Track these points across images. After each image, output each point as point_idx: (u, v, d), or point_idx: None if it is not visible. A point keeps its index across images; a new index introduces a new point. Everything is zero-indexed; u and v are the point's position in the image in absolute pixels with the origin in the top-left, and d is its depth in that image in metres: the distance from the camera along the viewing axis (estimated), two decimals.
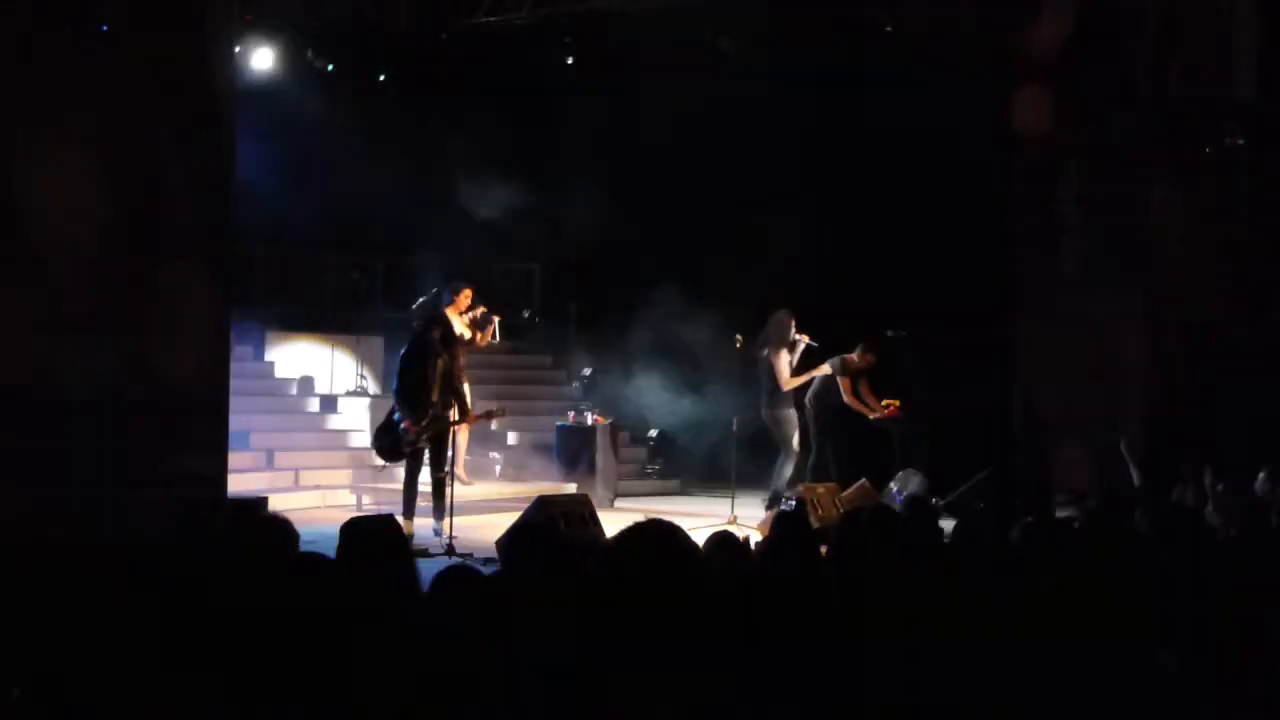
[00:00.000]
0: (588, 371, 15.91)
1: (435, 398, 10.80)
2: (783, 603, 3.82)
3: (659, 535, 3.19)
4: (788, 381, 13.02)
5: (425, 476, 10.99)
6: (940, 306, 14.15)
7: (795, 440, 13.02)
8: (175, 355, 8.95)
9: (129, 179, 8.88)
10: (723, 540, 5.08)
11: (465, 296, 13.76)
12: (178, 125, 9.17)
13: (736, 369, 13.76)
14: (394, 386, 11.09)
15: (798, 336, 13.11)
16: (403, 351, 11.13)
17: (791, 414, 13.06)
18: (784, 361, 13.01)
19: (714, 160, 15.28)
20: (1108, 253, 13.72)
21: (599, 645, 3.11)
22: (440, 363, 10.88)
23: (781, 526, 5.36)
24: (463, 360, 13.47)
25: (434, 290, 14.30)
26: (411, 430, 10.71)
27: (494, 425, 14.23)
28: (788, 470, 12.94)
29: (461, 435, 13.37)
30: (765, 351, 13.06)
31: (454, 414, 10.95)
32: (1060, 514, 8.33)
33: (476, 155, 15.64)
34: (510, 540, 9.42)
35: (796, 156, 15.27)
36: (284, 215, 14.90)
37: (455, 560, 9.63)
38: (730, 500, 12.51)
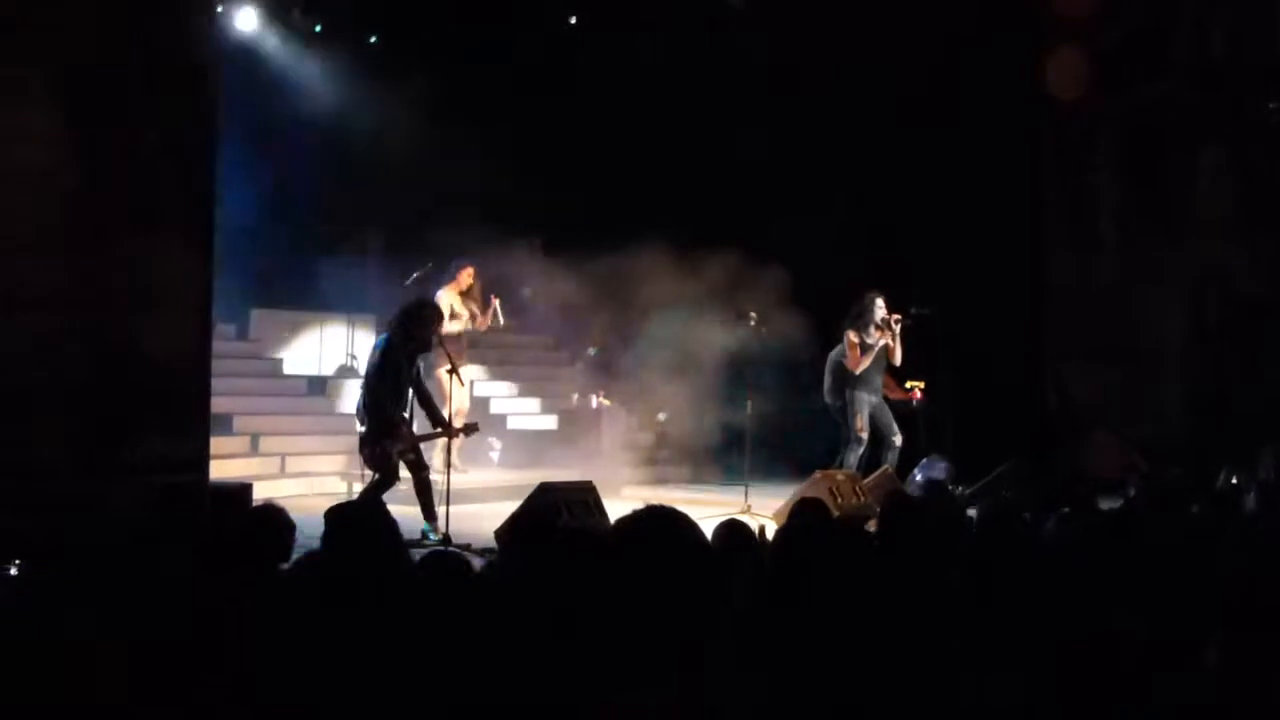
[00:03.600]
0: (593, 351, 15.88)
1: (404, 415, 10.71)
2: (795, 596, 3.79)
3: (662, 521, 3.13)
4: (856, 362, 12.97)
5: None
6: (968, 282, 14.09)
7: (862, 426, 13.00)
8: (153, 333, 8.86)
9: (102, 145, 8.80)
10: (731, 528, 5.04)
11: (466, 275, 13.71)
12: (155, 88, 9.09)
13: (751, 348, 13.70)
14: (361, 400, 10.87)
15: (888, 316, 13.07)
16: (372, 361, 10.91)
17: (861, 397, 13.04)
18: (855, 341, 12.98)
19: (724, 127, 15.21)
20: (1145, 225, 13.66)
21: (595, 643, 3.08)
22: (411, 373, 10.76)
23: (798, 514, 5.31)
24: (463, 342, 13.45)
25: (428, 265, 14.26)
26: (388, 453, 10.58)
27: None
28: (852, 459, 12.91)
29: (458, 420, 13.33)
30: (840, 355, 13.09)
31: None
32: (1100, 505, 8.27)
33: (473, 120, 15.57)
34: (510, 530, 9.51)
35: (814, 123, 15.19)
36: (272, 183, 14.84)
37: (453, 550, 9.60)
38: (744, 488, 12.48)
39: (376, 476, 10.66)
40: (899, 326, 13.06)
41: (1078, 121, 13.97)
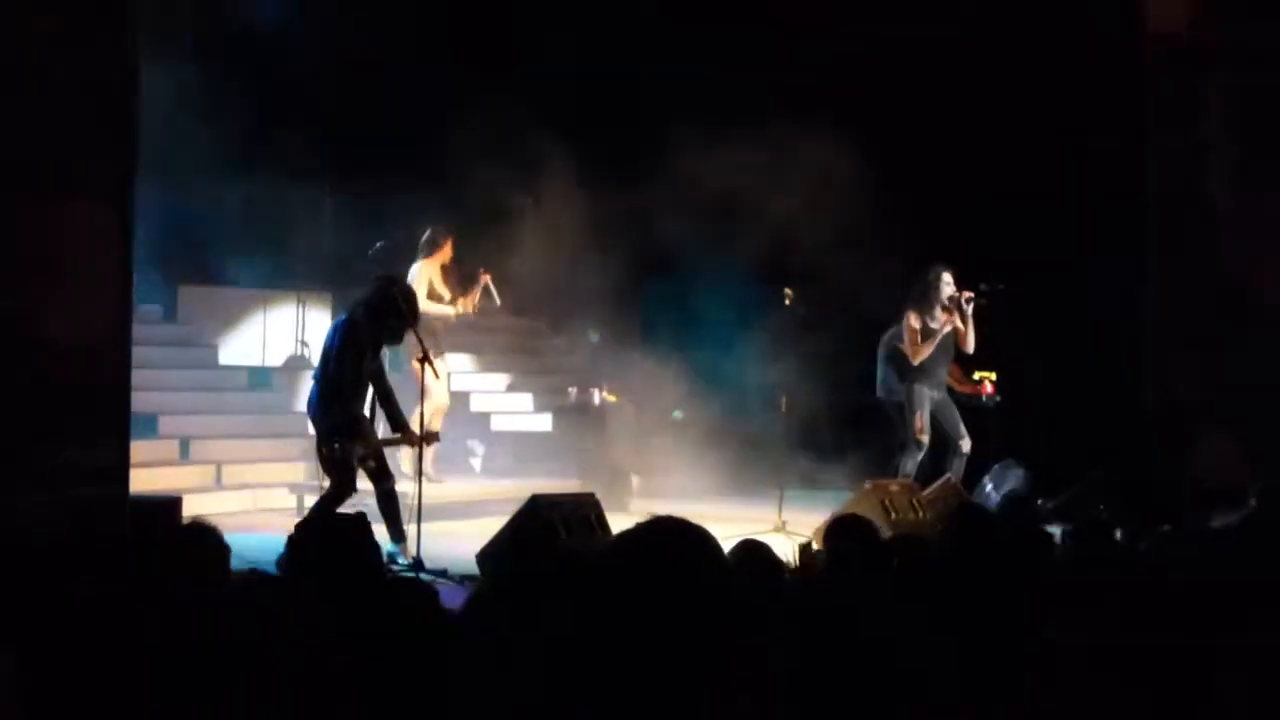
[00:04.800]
0: (596, 337, 15.87)
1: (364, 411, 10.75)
2: (829, 637, 3.76)
3: (670, 538, 3.00)
4: (916, 350, 12.97)
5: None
6: (1050, 254, 14.06)
7: (922, 427, 13.01)
8: (60, 318, 8.86)
9: None
10: (749, 552, 4.99)
11: (446, 244, 13.69)
12: (64, 28, 9.10)
13: (786, 332, 13.69)
14: (315, 391, 10.91)
15: (958, 295, 13.06)
16: (329, 344, 10.92)
17: (921, 391, 13.06)
18: (917, 325, 12.97)
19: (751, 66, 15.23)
20: (1266, 185, 13.62)
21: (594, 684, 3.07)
22: (374, 364, 10.79)
23: (836, 536, 5.25)
24: (439, 329, 13.44)
25: (396, 234, 14.23)
26: (347, 455, 10.60)
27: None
28: (910, 465, 12.91)
29: (436, 419, 13.36)
30: (895, 339, 13.18)
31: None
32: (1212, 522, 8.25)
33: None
34: (496, 553, 9.53)
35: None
36: (206, 140, 14.83)
37: (425, 578, 9.62)
38: (778, 501, 12.48)
39: (329, 485, 10.68)
40: (971, 307, 13.04)
41: (1183, 60, 13.92)
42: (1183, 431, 13.65)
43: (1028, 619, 4.16)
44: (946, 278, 13.08)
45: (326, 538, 4.71)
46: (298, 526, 4.82)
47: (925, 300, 13.06)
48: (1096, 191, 14.15)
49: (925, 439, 13.01)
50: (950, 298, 13.05)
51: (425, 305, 13.23)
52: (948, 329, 13.03)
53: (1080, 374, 14.04)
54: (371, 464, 10.72)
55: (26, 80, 8.82)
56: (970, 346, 13.18)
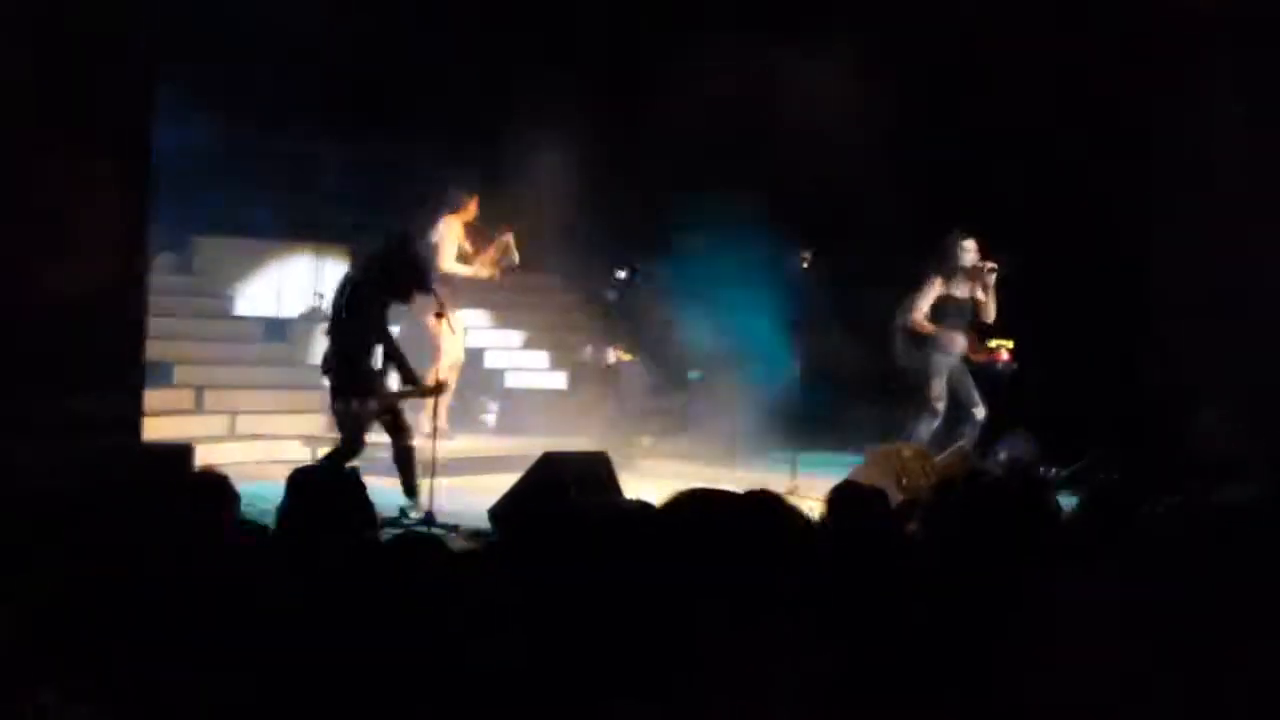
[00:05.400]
0: (623, 274, 15.52)
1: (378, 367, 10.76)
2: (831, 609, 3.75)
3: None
4: (920, 324, 13.08)
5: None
6: (1057, 226, 14.03)
7: (938, 394, 13.02)
8: (75, 265, 8.88)
9: (6, 40, 8.79)
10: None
11: (473, 203, 13.68)
12: None
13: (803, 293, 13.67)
14: (329, 349, 10.94)
15: (980, 264, 13.05)
16: (339, 300, 10.94)
17: (938, 360, 13.09)
18: (941, 291, 12.99)
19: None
20: (1274, 162, 13.55)
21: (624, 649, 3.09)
22: (382, 320, 10.78)
23: (838, 504, 5.10)
24: (459, 285, 13.46)
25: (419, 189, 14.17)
26: (360, 413, 10.61)
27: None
28: (923, 431, 12.92)
29: (451, 375, 13.38)
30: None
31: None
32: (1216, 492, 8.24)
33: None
34: (509, 508, 9.54)
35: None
36: (223, 86, 14.80)
37: (436, 532, 9.65)
38: (791, 463, 12.48)
39: (340, 441, 10.72)
40: (994, 277, 13.03)
41: (1189, 25, 13.84)
42: (1186, 403, 13.65)
43: (1027, 586, 4.15)
44: (968, 244, 13.08)
45: (317, 490, 4.72)
46: (293, 475, 4.82)
47: (947, 267, 13.05)
48: (1102, 162, 14.09)
49: (940, 406, 13.02)
50: (974, 266, 13.04)
51: (453, 267, 13.26)
52: (967, 297, 13.05)
53: (1089, 346, 14.00)
54: (388, 418, 10.76)
55: (39, 31, 8.82)
56: (990, 316, 13.19)
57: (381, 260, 10.88)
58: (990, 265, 13.05)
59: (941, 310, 13.09)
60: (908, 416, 13.18)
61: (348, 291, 10.82)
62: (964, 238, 13.08)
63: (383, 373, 10.85)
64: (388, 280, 10.78)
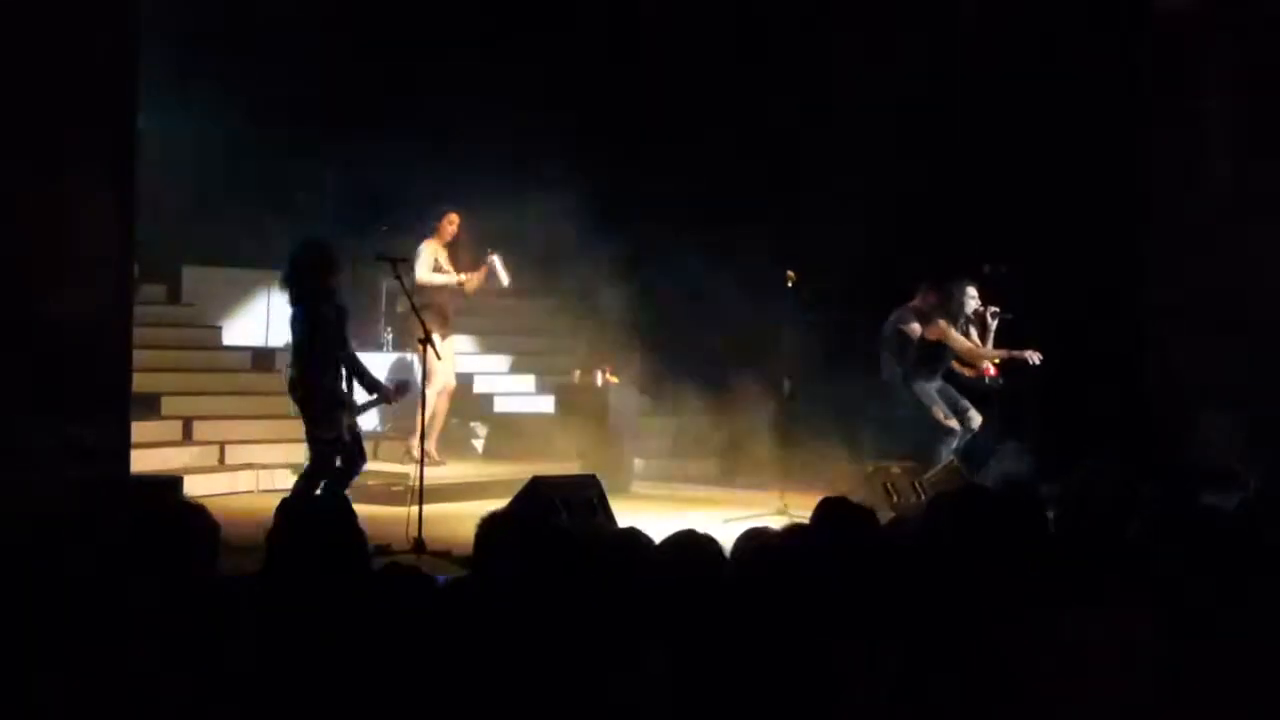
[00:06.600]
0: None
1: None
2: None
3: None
4: (974, 353, 13.22)
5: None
6: (1052, 234, 14.03)
7: (945, 414, 13.10)
8: (60, 294, 8.86)
9: None
10: (684, 545, 4.68)
11: (450, 223, 13.69)
12: (63, 7, 9.05)
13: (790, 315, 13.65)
14: (291, 379, 10.80)
15: (982, 310, 13.17)
16: (298, 331, 10.74)
17: (925, 389, 13.19)
18: (949, 333, 13.14)
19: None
20: (1269, 162, 13.56)
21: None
22: (340, 334, 10.70)
23: (818, 524, 5.02)
24: (448, 309, 13.46)
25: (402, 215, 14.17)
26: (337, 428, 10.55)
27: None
28: (945, 452, 12.98)
29: (442, 401, 13.38)
30: (898, 322, 13.29)
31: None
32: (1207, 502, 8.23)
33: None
34: (487, 530, 9.47)
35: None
36: (210, 114, 14.82)
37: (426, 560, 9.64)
38: (781, 484, 12.47)
39: (306, 464, 10.66)
40: (996, 322, 13.16)
41: (1185, 32, 13.87)
42: (1180, 411, 13.66)
43: (1013, 602, 4.14)
44: (971, 291, 13.21)
45: (307, 520, 4.69)
46: (283, 503, 4.78)
47: (950, 314, 13.15)
48: (1097, 168, 14.10)
49: (954, 423, 13.12)
50: (975, 312, 13.16)
51: (427, 277, 13.27)
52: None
53: (1086, 355, 14.00)
54: (349, 438, 10.65)
55: (22, 60, 8.80)
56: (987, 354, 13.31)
57: (290, 268, 10.73)
58: (994, 309, 13.16)
59: (937, 350, 13.18)
60: (892, 428, 13.34)
61: (304, 320, 10.62)
62: (966, 284, 13.17)
63: (350, 392, 10.73)
64: (302, 285, 10.61)
